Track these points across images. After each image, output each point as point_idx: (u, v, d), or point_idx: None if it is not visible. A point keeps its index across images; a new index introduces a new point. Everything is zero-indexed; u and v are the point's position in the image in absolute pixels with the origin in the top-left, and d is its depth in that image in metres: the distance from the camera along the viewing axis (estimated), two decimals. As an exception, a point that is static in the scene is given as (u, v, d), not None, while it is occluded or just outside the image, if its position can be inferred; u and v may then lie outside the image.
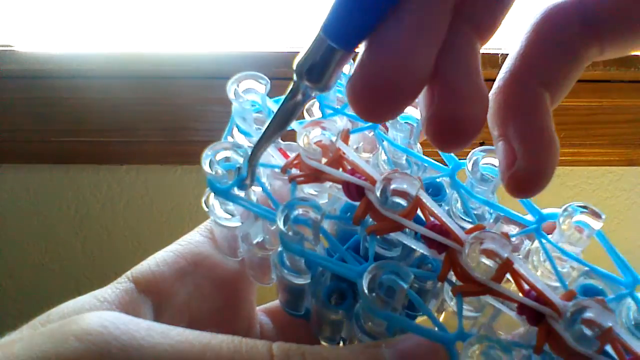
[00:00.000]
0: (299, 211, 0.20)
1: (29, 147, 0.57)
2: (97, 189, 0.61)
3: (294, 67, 0.18)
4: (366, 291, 0.19)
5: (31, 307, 0.67)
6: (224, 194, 0.22)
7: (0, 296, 0.68)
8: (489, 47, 0.52)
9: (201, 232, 0.26)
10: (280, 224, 0.20)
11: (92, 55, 0.52)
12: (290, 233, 0.20)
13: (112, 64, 0.52)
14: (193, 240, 0.25)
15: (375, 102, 0.17)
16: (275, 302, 0.27)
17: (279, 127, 0.20)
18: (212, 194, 0.23)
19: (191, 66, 0.52)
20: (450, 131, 0.17)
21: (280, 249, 0.22)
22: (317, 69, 0.18)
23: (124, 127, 0.55)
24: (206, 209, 0.24)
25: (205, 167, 0.22)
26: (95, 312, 0.19)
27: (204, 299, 0.24)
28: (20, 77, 0.52)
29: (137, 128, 0.55)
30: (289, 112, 0.19)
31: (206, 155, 0.22)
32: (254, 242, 0.23)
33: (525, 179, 0.18)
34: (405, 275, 0.19)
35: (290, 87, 0.19)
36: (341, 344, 0.24)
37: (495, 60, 0.52)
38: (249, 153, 0.21)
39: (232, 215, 0.23)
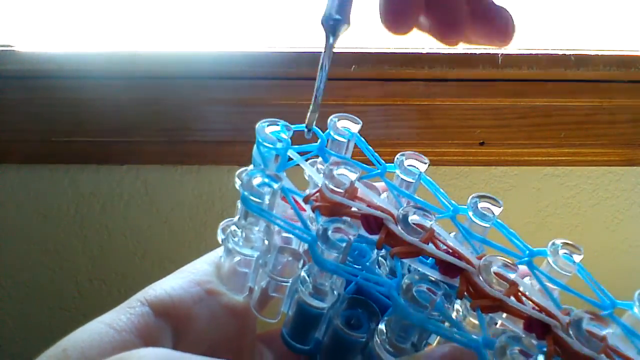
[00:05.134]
0: (336, 229, 0.22)
1: (29, 147, 0.56)
2: (97, 189, 0.61)
3: (322, 20, 0.24)
4: (403, 296, 0.21)
5: (31, 307, 0.67)
6: (257, 210, 0.23)
7: (0, 296, 0.68)
8: (489, 47, 0.52)
9: (208, 262, 0.26)
10: (320, 240, 0.22)
11: (92, 55, 0.52)
12: (325, 249, 0.21)
13: (112, 64, 0.52)
14: (202, 268, 0.25)
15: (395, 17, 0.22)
16: (273, 329, 0.27)
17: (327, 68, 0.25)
18: (233, 225, 0.24)
19: (191, 66, 0.52)
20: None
21: (302, 273, 0.23)
22: (340, 9, 0.23)
23: (124, 127, 0.55)
24: (221, 238, 0.25)
25: (242, 187, 0.23)
26: (147, 349, 0.18)
27: (218, 327, 0.24)
28: (20, 77, 0.52)
29: (137, 128, 0.55)
30: (330, 56, 0.25)
31: (245, 177, 0.24)
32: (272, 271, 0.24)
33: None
34: (436, 287, 0.21)
35: (325, 41, 0.24)
36: None
37: (495, 60, 0.52)
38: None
39: (252, 245, 0.24)
